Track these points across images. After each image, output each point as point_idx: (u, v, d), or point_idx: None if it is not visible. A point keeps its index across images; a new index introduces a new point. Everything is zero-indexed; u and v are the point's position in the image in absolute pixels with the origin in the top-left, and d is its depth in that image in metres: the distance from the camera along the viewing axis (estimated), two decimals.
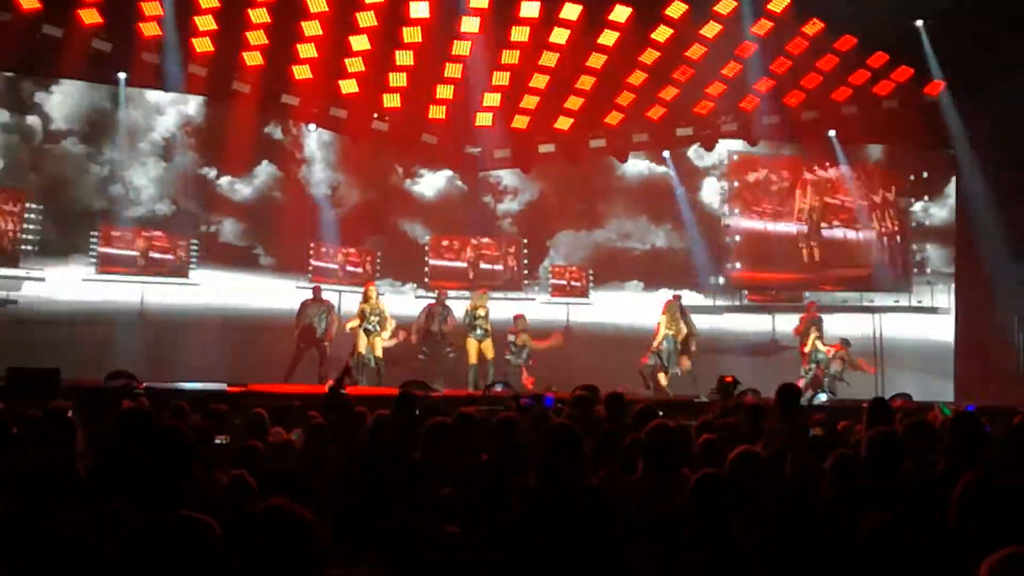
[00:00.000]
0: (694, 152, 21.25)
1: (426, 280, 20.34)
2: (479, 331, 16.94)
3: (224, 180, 19.26)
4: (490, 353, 16.92)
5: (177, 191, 18.95)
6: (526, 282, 21.24)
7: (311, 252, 19.56)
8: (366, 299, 16.60)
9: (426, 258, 20.58)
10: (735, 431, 7.52)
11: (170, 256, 18.76)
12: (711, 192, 21.77)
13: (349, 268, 19.93)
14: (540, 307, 20.75)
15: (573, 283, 21.35)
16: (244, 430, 7.63)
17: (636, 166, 21.41)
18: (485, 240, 21.15)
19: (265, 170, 19.51)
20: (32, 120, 17.99)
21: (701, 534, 4.21)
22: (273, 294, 18.88)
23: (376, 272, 19.83)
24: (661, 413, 7.50)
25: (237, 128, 18.42)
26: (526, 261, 21.26)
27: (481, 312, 17.03)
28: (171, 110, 18.94)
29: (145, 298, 18.40)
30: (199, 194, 19.10)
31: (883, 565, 3.70)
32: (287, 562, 3.06)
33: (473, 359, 16.91)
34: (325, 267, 19.71)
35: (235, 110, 18.06)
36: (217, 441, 6.87)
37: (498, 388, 14.70)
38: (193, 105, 18.89)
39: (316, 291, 17.83)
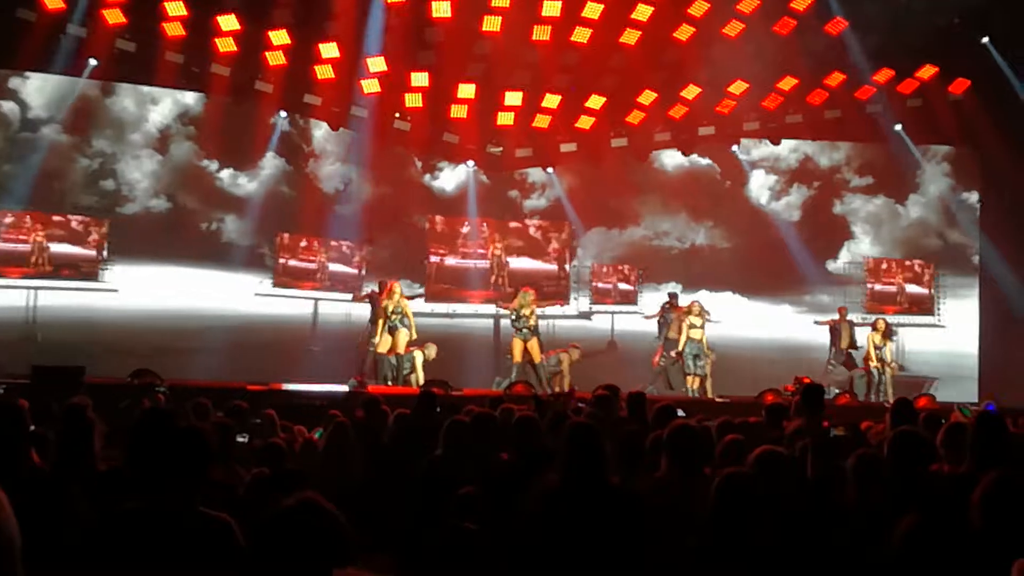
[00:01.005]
0: (738, 146, 20.99)
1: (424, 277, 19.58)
2: (524, 331, 16.75)
3: (226, 174, 18.89)
4: (536, 356, 16.78)
5: (175, 185, 18.54)
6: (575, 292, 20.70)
7: (279, 249, 18.96)
8: (389, 296, 16.59)
9: (428, 258, 20.04)
10: (758, 431, 7.49)
11: (82, 249, 17.60)
12: (759, 187, 21.45)
13: (332, 267, 19.45)
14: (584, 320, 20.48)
15: (621, 285, 20.90)
16: (258, 429, 7.66)
17: (674, 158, 21.01)
18: (534, 222, 20.68)
19: (272, 163, 19.10)
20: (9, 107, 17.52)
21: (722, 533, 4.20)
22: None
23: (363, 271, 19.50)
24: (681, 412, 7.51)
25: (240, 118, 18.10)
26: (574, 264, 20.87)
27: (526, 311, 16.82)
28: (166, 99, 18.50)
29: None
30: (199, 189, 18.68)
31: (918, 566, 3.65)
32: (314, 556, 3.07)
33: (518, 358, 16.80)
34: (299, 267, 19.14)
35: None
36: (239, 439, 6.88)
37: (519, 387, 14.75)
38: (190, 94, 18.48)
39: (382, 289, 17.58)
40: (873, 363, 17.64)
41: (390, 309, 16.42)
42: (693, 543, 4.26)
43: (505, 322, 17.99)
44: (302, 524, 3.10)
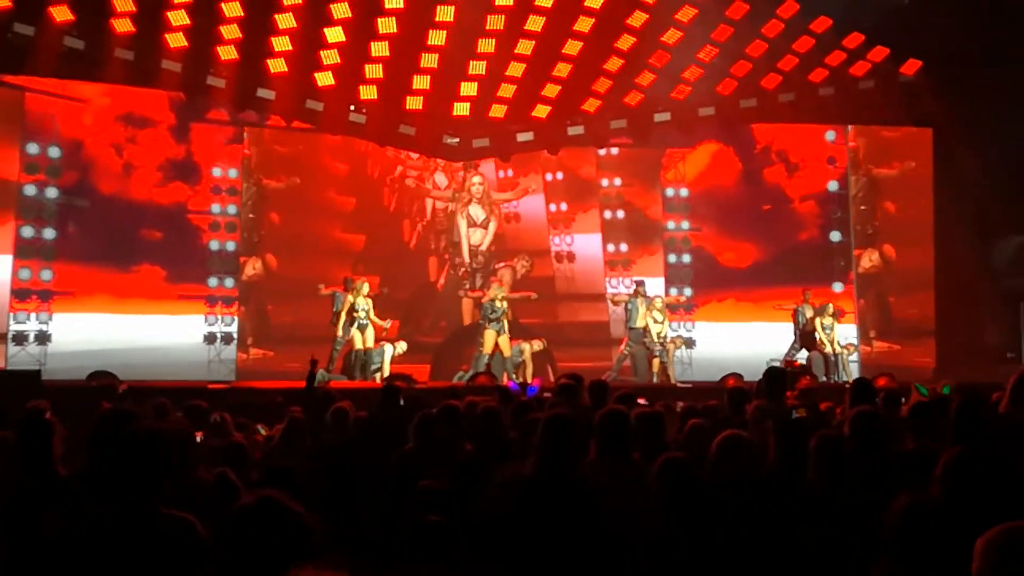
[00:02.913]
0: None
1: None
2: (496, 323, 16.86)
3: None
4: (507, 350, 16.90)
5: None
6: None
7: None
8: (357, 292, 16.55)
9: None
10: (723, 415, 7.55)
11: None
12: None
13: None
14: None
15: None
16: (216, 428, 7.58)
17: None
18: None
19: None
20: None
21: (669, 517, 4.25)
22: None
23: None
24: (643, 401, 7.54)
25: None
26: None
27: (500, 304, 16.96)
28: None
29: None
30: None
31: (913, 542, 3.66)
32: (272, 554, 3.05)
33: (488, 349, 16.85)
34: None
35: None
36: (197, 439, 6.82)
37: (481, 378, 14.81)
38: None
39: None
40: (826, 346, 18.06)
41: (358, 306, 16.39)
42: (652, 532, 4.30)
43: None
44: (260, 522, 3.07)
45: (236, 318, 18.85)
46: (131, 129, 18.50)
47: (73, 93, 17.89)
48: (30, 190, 17.66)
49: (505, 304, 16.99)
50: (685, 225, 21.05)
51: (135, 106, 18.45)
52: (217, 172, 19.13)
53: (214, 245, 18.95)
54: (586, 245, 20.89)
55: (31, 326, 17.43)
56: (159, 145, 18.65)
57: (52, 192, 17.79)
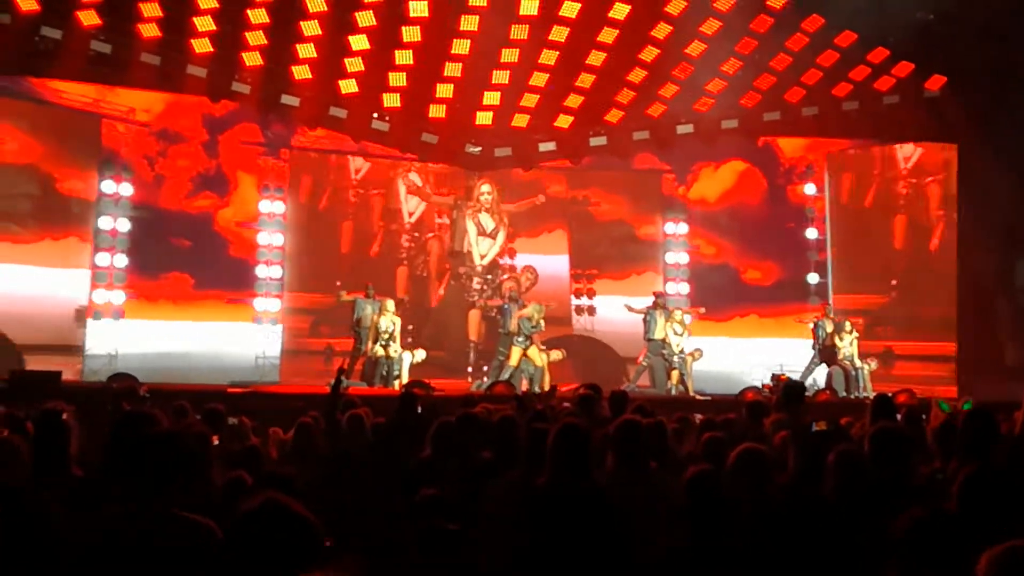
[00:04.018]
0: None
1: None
2: (525, 340, 16.86)
3: None
4: (538, 360, 16.91)
5: None
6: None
7: None
8: (383, 311, 16.61)
9: None
10: (741, 428, 7.52)
11: None
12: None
13: None
14: None
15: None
16: (233, 432, 7.59)
17: None
18: None
19: None
20: None
21: (694, 530, 4.23)
22: None
23: None
24: (657, 415, 7.51)
25: None
26: None
27: (538, 323, 17.04)
28: None
29: None
30: None
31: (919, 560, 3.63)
32: (285, 557, 3.04)
33: (515, 363, 16.87)
34: None
35: None
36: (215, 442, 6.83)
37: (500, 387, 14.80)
38: None
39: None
40: (846, 361, 17.98)
41: (382, 327, 16.45)
42: (665, 543, 4.27)
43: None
44: (264, 525, 3.06)
45: (282, 325, 19.41)
46: (164, 143, 19.02)
47: (141, 118, 18.60)
48: (107, 206, 18.40)
49: (543, 322, 17.04)
50: (684, 243, 21.25)
51: (171, 122, 18.97)
52: (266, 190, 19.75)
53: (263, 255, 19.62)
54: (551, 266, 20.80)
55: (105, 325, 18.18)
56: (194, 160, 19.13)
57: (124, 206, 18.50)
